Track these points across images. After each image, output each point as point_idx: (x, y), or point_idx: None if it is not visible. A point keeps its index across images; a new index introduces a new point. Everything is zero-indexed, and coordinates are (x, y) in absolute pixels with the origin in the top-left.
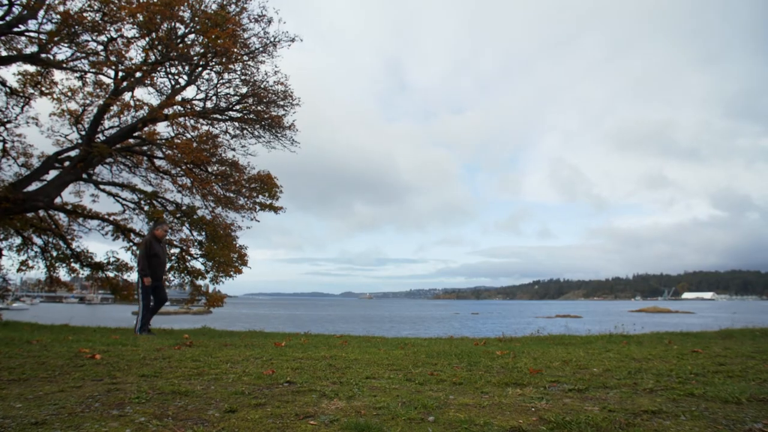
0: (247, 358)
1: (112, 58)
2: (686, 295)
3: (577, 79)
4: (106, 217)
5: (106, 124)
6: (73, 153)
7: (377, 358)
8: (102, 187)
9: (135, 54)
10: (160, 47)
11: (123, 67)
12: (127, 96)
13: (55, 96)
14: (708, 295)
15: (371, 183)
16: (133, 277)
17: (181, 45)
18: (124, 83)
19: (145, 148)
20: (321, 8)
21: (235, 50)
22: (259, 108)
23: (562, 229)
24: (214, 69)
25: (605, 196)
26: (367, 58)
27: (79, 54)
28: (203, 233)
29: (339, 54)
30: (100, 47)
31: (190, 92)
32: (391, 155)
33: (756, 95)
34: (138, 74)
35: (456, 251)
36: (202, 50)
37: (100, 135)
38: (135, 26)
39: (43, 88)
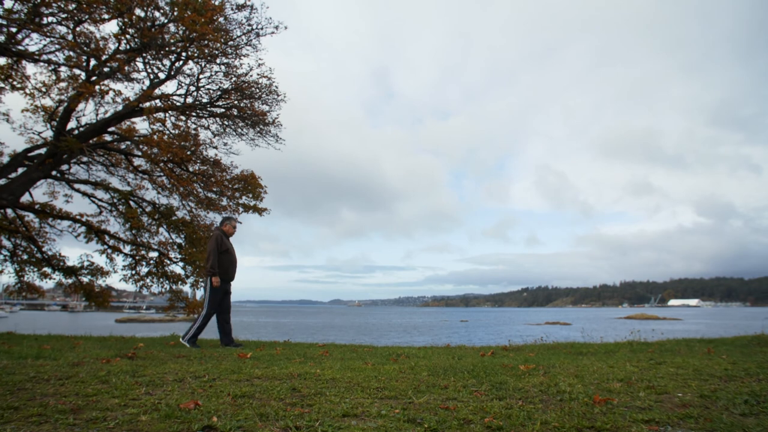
0: (183, 377)
1: (83, 45)
2: (672, 302)
3: (563, 87)
4: (78, 217)
5: (83, 120)
6: (45, 150)
7: (362, 377)
8: (76, 186)
9: (111, 45)
10: (135, 35)
11: (90, 50)
12: (100, 85)
13: (27, 91)
14: (693, 302)
15: (358, 189)
16: (109, 281)
17: (156, 30)
18: (96, 74)
19: (123, 146)
20: (309, 16)
21: (214, 36)
22: (242, 104)
23: (550, 236)
24: (194, 60)
25: (592, 203)
26: (354, 65)
27: (50, 46)
28: (182, 235)
29: (326, 61)
30: (67, 30)
31: (170, 88)
32: (377, 161)
33: (737, 104)
34: (112, 65)
35: (444, 258)
36: (181, 42)
37: (75, 131)
38: (104, 6)
39: (15, 82)
